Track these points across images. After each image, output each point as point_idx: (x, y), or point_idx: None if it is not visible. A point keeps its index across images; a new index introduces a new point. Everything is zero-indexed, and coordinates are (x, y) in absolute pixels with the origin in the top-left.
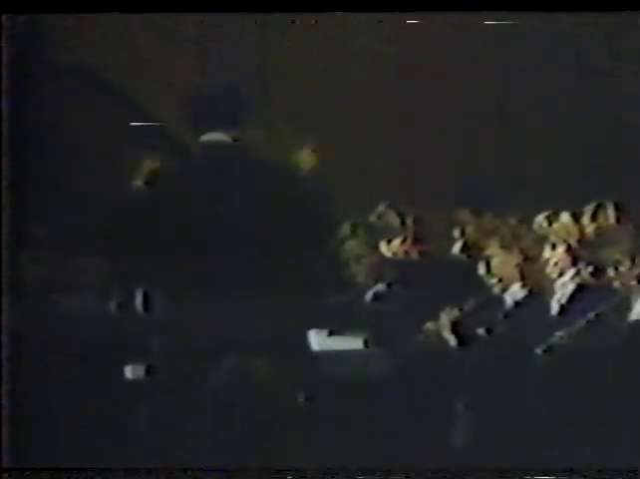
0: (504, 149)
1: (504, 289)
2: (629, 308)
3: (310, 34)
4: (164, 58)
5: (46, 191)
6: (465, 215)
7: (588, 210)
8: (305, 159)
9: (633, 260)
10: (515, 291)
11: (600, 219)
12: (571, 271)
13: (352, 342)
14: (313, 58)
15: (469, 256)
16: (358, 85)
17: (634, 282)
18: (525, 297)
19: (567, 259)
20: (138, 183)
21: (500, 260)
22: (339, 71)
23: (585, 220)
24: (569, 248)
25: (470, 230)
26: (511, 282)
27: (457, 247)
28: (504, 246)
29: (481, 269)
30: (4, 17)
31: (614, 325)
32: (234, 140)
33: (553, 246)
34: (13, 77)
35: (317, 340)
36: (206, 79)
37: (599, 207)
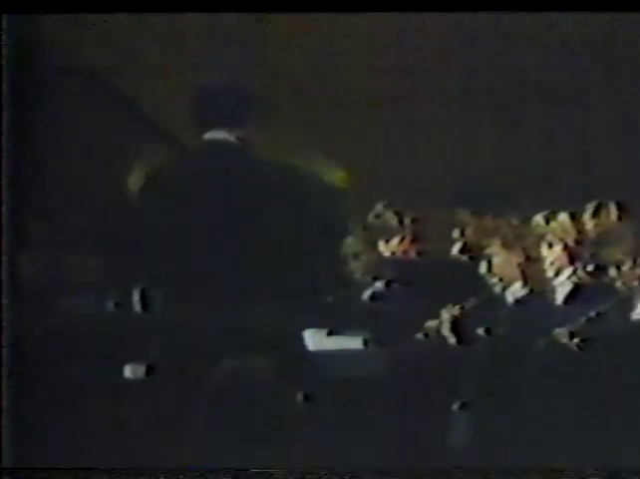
0: (504, 149)
1: (505, 288)
2: (631, 308)
3: (310, 34)
4: (165, 58)
5: (46, 190)
6: (464, 215)
7: (589, 209)
8: (338, 179)
9: (635, 261)
10: (516, 290)
11: (601, 218)
12: (568, 270)
13: (351, 342)
14: (313, 58)
15: (470, 258)
16: (358, 85)
17: (636, 283)
18: (526, 296)
19: (564, 258)
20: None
21: (502, 260)
22: (338, 71)
23: (586, 219)
24: (566, 247)
25: (469, 230)
26: (512, 282)
27: (456, 249)
28: (506, 246)
29: (483, 269)
30: (4, 17)
31: (616, 325)
32: (238, 139)
33: (550, 245)
34: (13, 77)
35: (314, 340)
36: (206, 79)
37: (600, 206)
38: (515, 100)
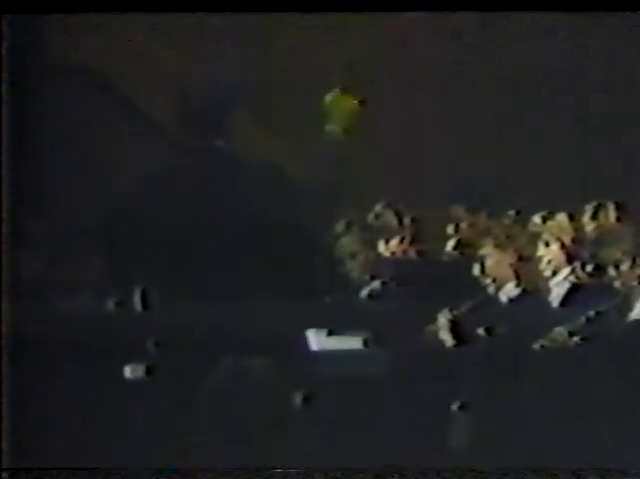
0: (504, 149)
1: (499, 289)
2: (629, 308)
3: (310, 34)
4: (164, 58)
5: (45, 190)
6: (459, 212)
7: (588, 209)
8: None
9: (634, 261)
10: (510, 290)
11: (600, 218)
12: (566, 270)
13: (351, 342)
14: (311, 57)
15: (461, 253)
16: (357, 84)
17: (635, 283)
18: (521, 297)
19: (561, 258)
20: (333, 125)
21: (495, 260)
22: (337, 71)
23: (585, 218)
24: (563, 246)
25: (464, 227)
26: (505, 282)
27: (450, 245)
28: (499, 246)
29: (476, 270)
30: (4, 17)
31: (614, 325)
32: (236, 142)
33: (547, 244)
34: (13, 77)
35: (317, 340)
36: (206, 79)
37: (599, 206)
38: (515, 101)
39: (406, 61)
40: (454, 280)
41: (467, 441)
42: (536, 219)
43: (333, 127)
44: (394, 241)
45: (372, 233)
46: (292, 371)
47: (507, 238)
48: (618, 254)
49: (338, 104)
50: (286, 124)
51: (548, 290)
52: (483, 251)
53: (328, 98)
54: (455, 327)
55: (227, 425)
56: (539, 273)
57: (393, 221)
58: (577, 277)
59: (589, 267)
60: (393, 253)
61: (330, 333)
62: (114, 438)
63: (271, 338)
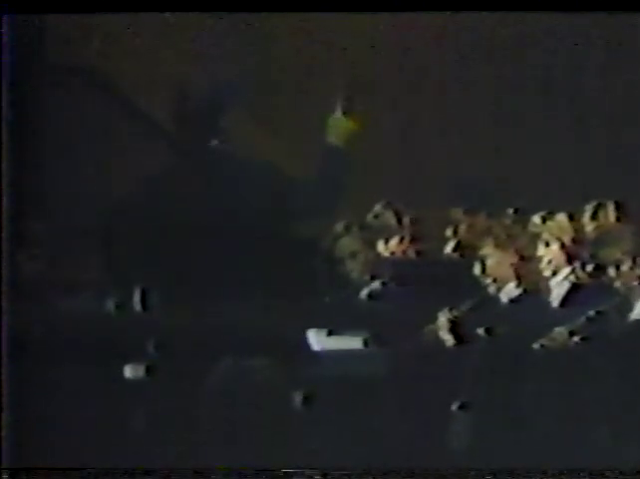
0: (504, 149)
1: (499, 289)
2: (629, 308)
3: (310, 34)
4: (164, 58)
5: (45, 190)
6: (458, 213)
7: (588, 209)
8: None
9: (634, 261)
10: (510, 290)
11: (600, 218)
12: (566, 270)
13: (352, 342)
14: (311, 58)
15: (461, 256)
16: (356, 84)
17: (635, 283)
18: (522, 297)
19: (561, 258)
20: (333, 140)
21: (495, 260)
22: (336, 71)
23: (585, 218)
24: (563, 246)
25: (462, 229)
26: (506, 282)
27: (449, 247)
28: (499, 246)
29: (477, 270)
30: (4, 17)
31: (614, 325)
32: (235, 142)
33: (547, 244)
34: (13, 77)
35: (317, 340)
36: (206, 79)
37: (599, 206)
38: (515, 101)
39: (406, 61)
40: (454, 280)
41: (467, 441)
42: (536, 219)
43: (333, 140)
44: (393, 241)
45: (372, 232)
46: (292, 371)
47: (508, 238)
48: (618, 254)
49: (339, 124)
50: (286, 124)
51: (548, 290)
52: (484, 252)
53: (330, 119)
54: (455, 327)
55: (227, 425)
56: (539, 273)
57: (392, 221)
58: (577, 277)
59: (589, 267)
60: (392, 253)
61: (330, 333)
62: (114, 438)
63: (271, 338)
